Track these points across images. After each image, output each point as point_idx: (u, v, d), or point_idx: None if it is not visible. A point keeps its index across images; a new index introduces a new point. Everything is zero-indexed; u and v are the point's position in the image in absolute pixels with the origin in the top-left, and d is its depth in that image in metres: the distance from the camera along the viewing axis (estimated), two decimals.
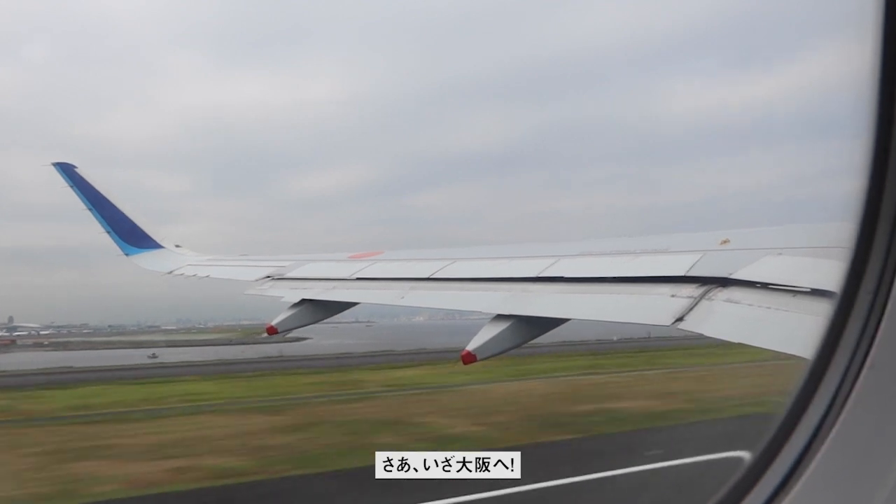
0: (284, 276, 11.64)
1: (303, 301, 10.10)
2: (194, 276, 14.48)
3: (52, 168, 17.73)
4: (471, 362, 6.62)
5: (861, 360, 2.12)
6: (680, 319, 5.15)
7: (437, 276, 8.85)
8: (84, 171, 17.71)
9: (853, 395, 2.13)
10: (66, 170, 17.55)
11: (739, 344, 4.62)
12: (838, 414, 2.17)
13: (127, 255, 16.94)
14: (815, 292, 4.40)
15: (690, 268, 5.70)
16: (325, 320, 10.24)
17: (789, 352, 4.14)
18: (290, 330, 10.21)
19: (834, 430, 2.16)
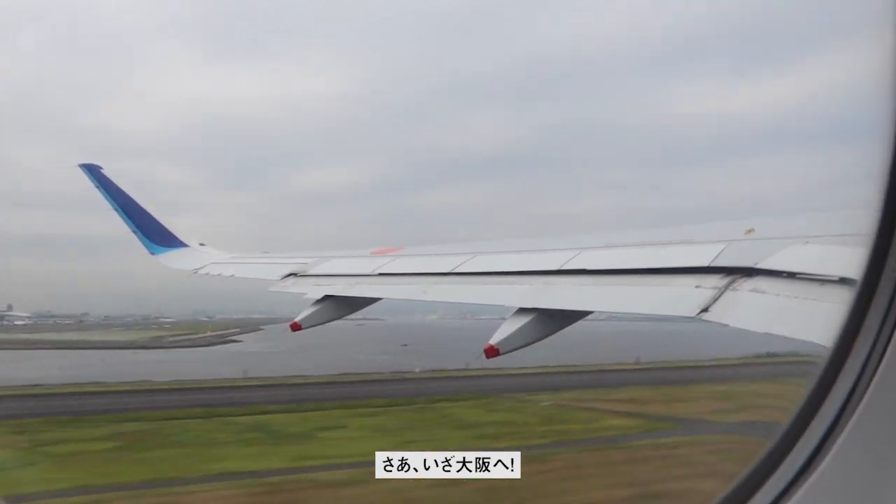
0: (307, 273, 11.72)
1: (326, 297, 10.17)
2: (219, 274, 14.64)
3: (79, 168, 18.03)
4: (494, 356, 6.63)
5: (880, 354, 2.09)
6: (705, 310, 5.11)
7: (458, 270, 8.85)
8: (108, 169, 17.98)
9: (868, 393, 2.10)
10: (93, 171, 17.83)
11: None
12: (853, 411, 2.14)
13: (153, 254, 17.17)
14: (844, 280, 4.33)
15: (715, 258, 5.64)
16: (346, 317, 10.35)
17: (815, 341, 4.08)
18: (314, 325, 10.29)
19: (847, 428, 2.13)
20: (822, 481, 2.15)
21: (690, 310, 5.23)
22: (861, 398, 2.12)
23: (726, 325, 4.90)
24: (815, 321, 4.32)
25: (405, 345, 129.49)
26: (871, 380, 2.10)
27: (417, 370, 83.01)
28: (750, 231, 5.93)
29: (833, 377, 2.24)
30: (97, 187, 17.63)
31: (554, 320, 6.86)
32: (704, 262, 5.66)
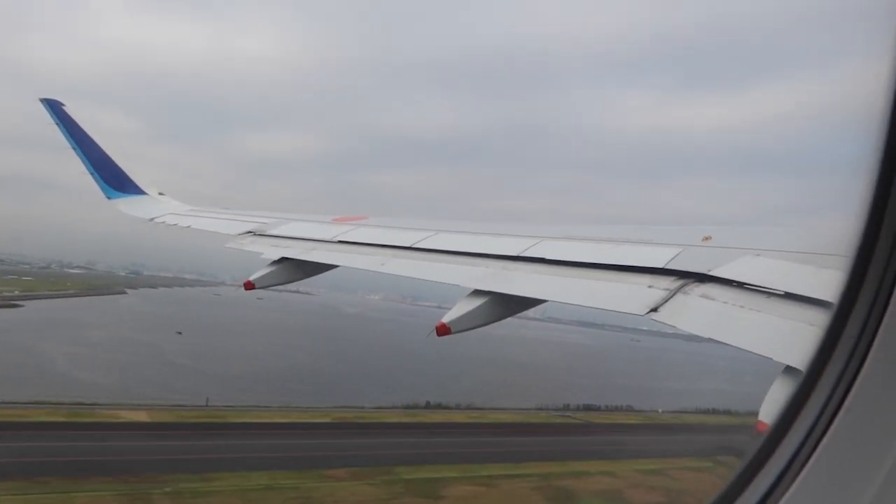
0: (266, 233, 11.58)
1: (283, 259, 10.07)
2: (175, 225, 14.35)
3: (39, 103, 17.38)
4: (445, 334, 6.66)
5: (855, 368, 2.15)
6: (654, 310, 5.21)
7: (418, 245, 8.84)
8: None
9: (845, 403, 2.16)
10: (53, 107, 17.21)
11: None
12: (829, 422, 2.20)
13: (109, 198, 16.72)
14: (788, 296, 4.45)
15: (670, 261, 5.74)
16: (299, 280, 10.29)
17: (756, 352, 4.20)
18: (267, 287, 10.18)
19: (825, 439, 2.19)
20: (807, 482, 2.21)
21: (640, 308, 5.33)
22: (844, 398, 2.18)
23: (673, 327, 5.02)
24: (759, 332, 4.45)
25: (180, 332, 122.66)
26: (853, 379, 2.16)
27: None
28: (707, 238, 6.05)
29: (816, 376, 2.29)
30: (57, 124, 17.02)
31: (508, 305, 6.92)
32: (659, 264, 5.76)
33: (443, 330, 6.66)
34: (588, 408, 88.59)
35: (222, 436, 54.54)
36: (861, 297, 2.15)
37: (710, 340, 4.70)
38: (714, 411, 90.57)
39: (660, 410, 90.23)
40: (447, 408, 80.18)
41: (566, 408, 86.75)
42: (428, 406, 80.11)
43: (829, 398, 2.24)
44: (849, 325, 2.18)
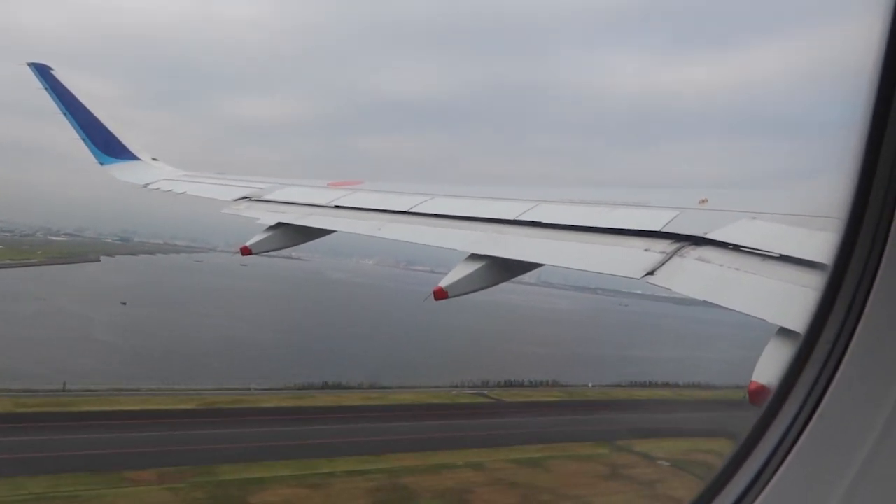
0: (262, 198, 11.53)
1: (279, 224, 10.05)
2: (170, 191, 14.27)
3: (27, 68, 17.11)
4: (442, 298, 6.70)
5: (842, 349, 2.17)
6: (650, 274, 5.24)
7: (415, 210, 8.83)
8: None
9: (840, 370, 2.18)
10: (42, 71, 16.94)
11: None
12: (815, 407, 2.23)
13: (102, 164, 16.57)
14: (784, 258, 4.49)
15: (666, 224, 5.75)
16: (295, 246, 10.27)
17: (750, 314, 4.24)
18: (264, 252, 10.19)
19: (808, 427, 2.22)
20: (784, 480, 2.25)
21: (636, 272, 5.36)
22: (821, 396, 2.21)
23: (669, 290, 5.06)
24: (753, 295, 4.49)
25: (124, 303, 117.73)
26: (831, 378, 2.18)
27: None
28: (704, 201, 6.05)
29: (796, 376, 2.32)
30: (46, 90, 16.77)
31: (505, 269, 6.95)
32: (656, 227, 5.77)
33: (440, 294, 6.70)
34: (509, 384, 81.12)
35: (36, 430, 46.96)
36: (853, 259, 2.16)
37: (704, 303, 4.74)
38: (665, 385, 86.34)
39: (590, 385, 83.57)
40: (347, 388, 72.58)
41: (484, 385, 79.39)
42: (325, 387, 72.06)
43: (808, 395, 2.26)
44: (842, 290, 2.19)
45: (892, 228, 2.00)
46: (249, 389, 67.83)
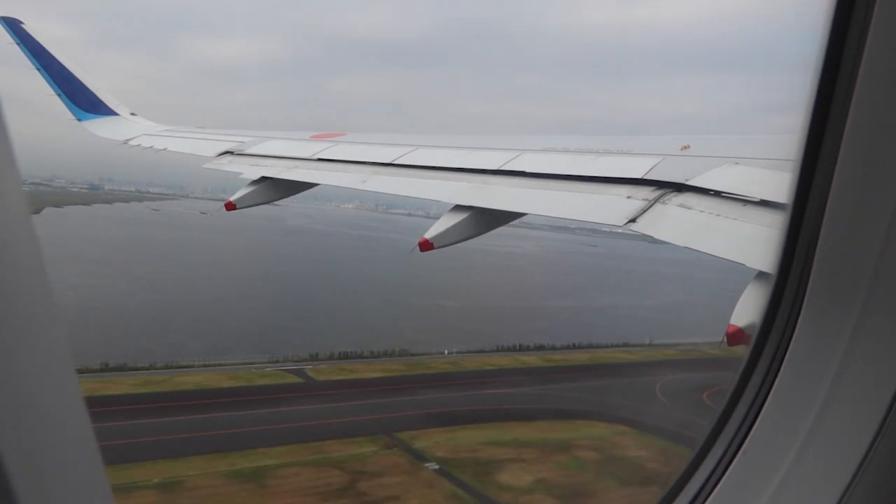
0: (244, 153, 11.42)
1: (262, 179, 9.98)
2: (151, 147, 14.07)
3: None
4: (428, 250, 6.75)
5: (782, 353, 2.25)
6: (633, 221, 5.29)
7: (398, 162, 8.79)
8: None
9: (773, 389, 2.26)
10: (12, 25, 16.44)
11: None
12: (761, 407, 2.31)
13: (80, 120, 16.26)
14: (764, 203, 4.54)
15: (649, 171, 5.78)
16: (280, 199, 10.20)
17: (732, 258, 4.31)
18: (248, 206, 10.14)
19: (757, 423, 2.30)
20: (733, 480, 2.33)
21: (619, 219, 5.41)
22: (768, 393, 2.29)
23: (650, 237, 5.11)
24: (734, 240, 4.55)
25: None
26: (776, 375, 2.26)
27: None
28: (686, 147, 6.07)
29: (747, 377, 2.39)
30: (17, 43, 16.31)
31: (489, 220, 6.98)
32: (638, 174, 5.80)
33: (426, 246, 6.74)
34: (345, 356, 64.79)
35: None
36: (810, 199, 2.20)
37: (686, 249, 4.80)
38: (540, 347, 70.71)
39: (445, 352, 67.69)
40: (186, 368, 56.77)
41: (313, 357, 63.32)
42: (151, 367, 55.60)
43: (758, 392, 2.34)
44: (802, 231, 2.24)
45: (837, 169, 2.03)
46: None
